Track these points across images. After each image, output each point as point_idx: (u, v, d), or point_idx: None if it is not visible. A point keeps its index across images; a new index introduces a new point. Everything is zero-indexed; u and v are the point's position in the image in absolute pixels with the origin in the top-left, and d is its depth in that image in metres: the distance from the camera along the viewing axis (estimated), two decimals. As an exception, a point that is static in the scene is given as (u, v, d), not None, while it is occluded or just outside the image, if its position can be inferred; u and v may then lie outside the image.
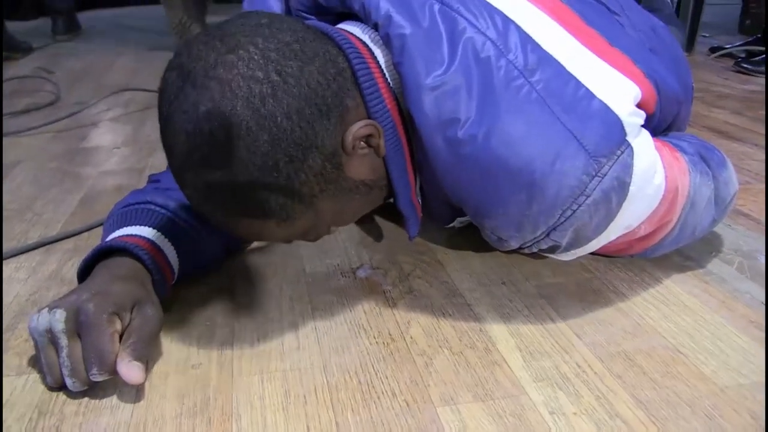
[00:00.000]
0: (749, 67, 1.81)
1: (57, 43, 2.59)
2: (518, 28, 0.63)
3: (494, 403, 0.57)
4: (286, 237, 0.61)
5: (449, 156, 0.61)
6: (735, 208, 0.92)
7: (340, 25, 0.67)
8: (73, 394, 0.58)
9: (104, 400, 0.58)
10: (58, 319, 0.56)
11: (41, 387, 0.59)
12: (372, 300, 0.73)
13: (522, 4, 0.66)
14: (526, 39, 0.62)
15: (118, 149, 1.29)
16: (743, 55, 1.91)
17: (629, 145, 0.61)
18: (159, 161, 1.19)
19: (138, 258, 0.64)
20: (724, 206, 0.74)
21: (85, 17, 2.82)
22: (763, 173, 1.07)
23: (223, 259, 0.81)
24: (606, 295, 0.73)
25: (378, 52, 0.63)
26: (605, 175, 0.60)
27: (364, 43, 0.63)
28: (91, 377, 0.55)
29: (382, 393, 0.58)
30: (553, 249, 0.68)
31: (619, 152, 0.60)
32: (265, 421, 0.55)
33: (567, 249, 0.68)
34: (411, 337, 0.66)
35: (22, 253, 0.85)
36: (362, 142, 0.59)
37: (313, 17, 0.72)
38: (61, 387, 0.58)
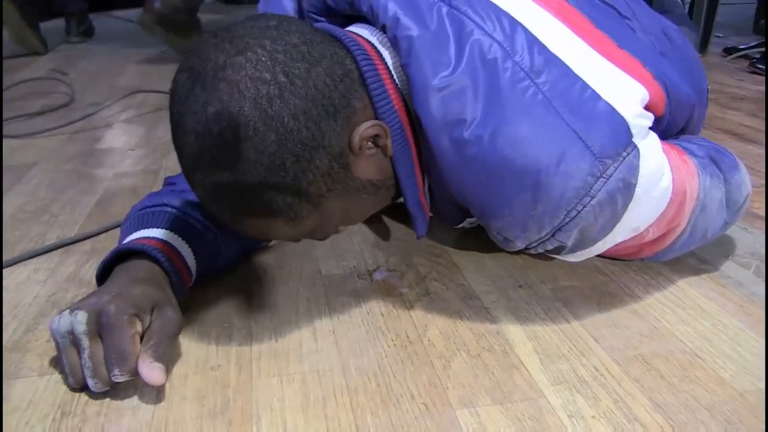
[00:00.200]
0: (764, 68, 1.80)
1: (70, 45, 2.61)
2: (525, 29, 0.63)
3: (513, 406, 0.57)
4: (294, 236, 0.62)
5: (455, 157, 0.61)
6: (751, 211, 0.92)
7: (349, 28, 0.67)
8: (94, 395, 0.59)
9: (125, 401, 0.58)
10: (80, 321, 0.57)
11: (63, 388, 0.60)
12: (389, 302, 0.73)
13: (530, 6, 0.67)
14: (532, 41, 0.63)
15: (132, 151, 1.29)
16: (758, 56, 1.90)
17: (635, 146, 0.61)
18: (173, 163, 1.20)
19: (156, 260, 0.65)
20: (736, 209, 0.74)
21: (98, 19, 2.84)
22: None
23: (240, 261, 0.81)
24: (622, 298, 0.73)
25: (386, 54, 0.63)
26: (610, 176, 0.60)
27: (372, 44, 0.64)
28: (112, 378, 0.56)
29: (401, 396, 0.58)
30: (559, 250, 0.68)
31: (624, 153, 0.60)
32: (285, 423, 0.55)
33: (573, 250, 0.68)
34: (429, 340, 0.66)
35: (40, 254, 0.86)
36: (369, 143, 0.60)
37: (323, 19, 0.73)
38: (83, 388, 0.59)
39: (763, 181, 1.04)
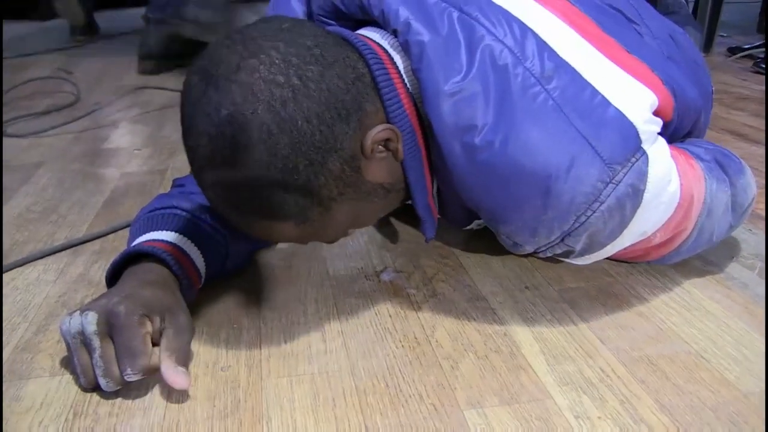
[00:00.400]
0: (765, 68, 1.80)
1: (75, 44, 2.61)
2: (535, 35, 0.64)
3: (520, 406, 0.57)
4: (304, 239, 0.62)
5: (466, 162, 0.62)
6: (756, 212, 0.92)
7: (360, 31, 0.68)
8: (106, 395, 0.59)
9: (137, 401, 0.59)
10: (90, 321, 0.57)
11: (75, 388, 0.61)
12: (396, 303, 0.74)
13: (540, 11, 0.67)
14: (543, 46, 0.63)
15: (139, 151, 1.30)
16: (762, 56, 1.90)
17: (644, 152, 0.61)
18: (180, 163, 1.21)
19: (165, 263, 0.66)
20: (741, 212, 0.74)
21: (102, 17, 2.84)
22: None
23: (249, 263, 0.82)
24: (628, 299, 0.73)
25: (397, 58, 0.64)
26: (620, 182, 0.60)
27: (383, 48, 0.64)
28: (125, 377, 0.56)
29: (410, 396, 0.59)
30: (567, 254, 0.68)
31: (633, 159, 0.61)
32: (295, 423, 0.56)
33: (581, 254, 0.68)
34: (436, 341, 0.66)
35: (49, 254, 0.86)
36: (380, 146, 0.60)
37: (333, 22, 0.73)
38: (94, 388, 0.60)
39: (765, 182, 1.04)
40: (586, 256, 0.69)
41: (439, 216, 0.74)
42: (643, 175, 0.61)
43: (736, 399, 0.58)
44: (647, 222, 0.65)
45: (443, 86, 0.60)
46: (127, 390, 0.60)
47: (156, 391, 0.60)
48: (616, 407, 0.57)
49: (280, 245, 0.87)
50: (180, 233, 0.70)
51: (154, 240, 0.68)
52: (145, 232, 0.70)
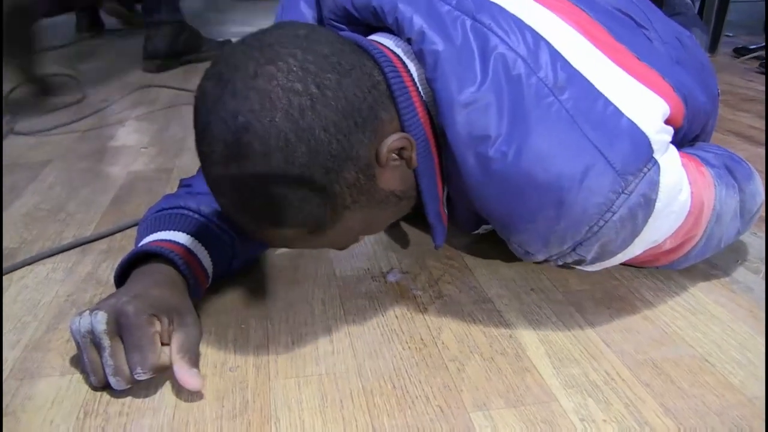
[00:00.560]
0: (765, 68, 1.80)
1: (81, 41, 2.62)
2: (548, 44, 0.64)
3: (526, 409, 0.58)
4: (316, 245, 0.62)
5: (479, 172, 0.62)
6: (762, 216, 0.92)
7: (373, 37, 0.67)
8: (116, 395, 0.60)
9: (146, 401, 0.60)
10: (100, 321, 0.58)
11: (85, 387, 0.61)
12: (403, 305, 0.74)
13: (553, 20, 0.67)
14: (555, 56, 0.63)
15: (145, 149, 1.31)
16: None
17: (656, 162, 0.61)
18: (186, 162, 1.21)
19: (173, 263, 0.66)
20: (749, 217, 0.74)
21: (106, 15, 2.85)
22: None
23: (255, 262, 0.82)
24: (633, 303, 0.74)
25: (411, 66, 0.64)
26: (632, 192, 0.60)
27: (397, 56, 0.64)
28: (135, 376, 0.57)
29: (417, 398, 0.59)
30: (578, 262, 0.69)
31: (646, 169, 0.61)
32: (303, 424, 0.57)
33: (592, 263, 0.68)
34: (443, 343, 0.67)
35: (57, 253, 0.87)
36: (395, 155, 0.60)
37: (344, 27, 0.73)
38: (104, 387, 0.60)
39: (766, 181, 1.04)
40: (597, 264, 0.70)
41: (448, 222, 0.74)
42: (654, 185, 0.61)
43: (740, 403, 0.58)
44: (658, 230, 0.65)
45: (457, 96, 0.60)
46: (137, 390, 0.60)
47: (165, 390, 0.61)
48: (621, 410, 0.57)
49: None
50: (187, 233, 0.70)
51: (161, 240, 0.69)
52: (152, 232, 0.71)
